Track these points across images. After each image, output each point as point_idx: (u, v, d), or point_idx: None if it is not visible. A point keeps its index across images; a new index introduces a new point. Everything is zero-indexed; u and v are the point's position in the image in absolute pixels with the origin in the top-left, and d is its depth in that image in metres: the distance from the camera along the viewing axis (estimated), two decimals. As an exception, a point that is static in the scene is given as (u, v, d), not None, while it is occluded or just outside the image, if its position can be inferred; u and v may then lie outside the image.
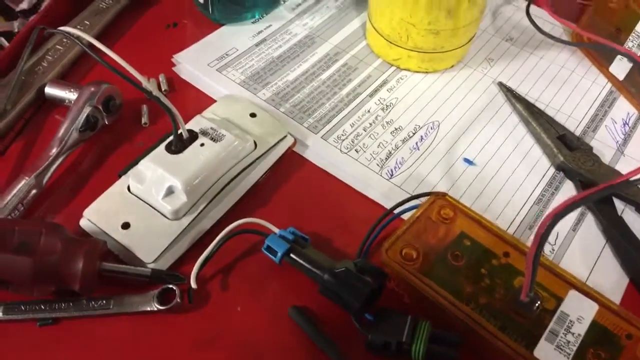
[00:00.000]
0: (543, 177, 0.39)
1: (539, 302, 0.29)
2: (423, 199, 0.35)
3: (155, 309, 0.31)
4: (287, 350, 0.31)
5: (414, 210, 0.33)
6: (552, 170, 0.39)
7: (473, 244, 0.32)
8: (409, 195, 0.37)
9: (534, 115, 0.41)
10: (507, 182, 0.38)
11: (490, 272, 0.31)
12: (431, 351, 0.29)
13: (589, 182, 0.38)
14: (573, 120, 0.43)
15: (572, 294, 0.30)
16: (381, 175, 0.38)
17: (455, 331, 0.29)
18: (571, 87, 0.45)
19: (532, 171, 0.39)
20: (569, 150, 0.39)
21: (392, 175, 0.38)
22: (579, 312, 0.29)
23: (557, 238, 0.36)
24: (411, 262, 0.31)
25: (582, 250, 0.35)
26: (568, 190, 0.38)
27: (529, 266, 0.28)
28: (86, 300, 0.31)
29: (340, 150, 0.39)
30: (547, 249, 0.35)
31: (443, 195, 0.34)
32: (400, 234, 0.32)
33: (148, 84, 0.33)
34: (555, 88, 0.45)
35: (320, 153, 0.39)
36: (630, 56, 0.42)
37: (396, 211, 0.35)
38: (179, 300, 0.31)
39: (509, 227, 0.36)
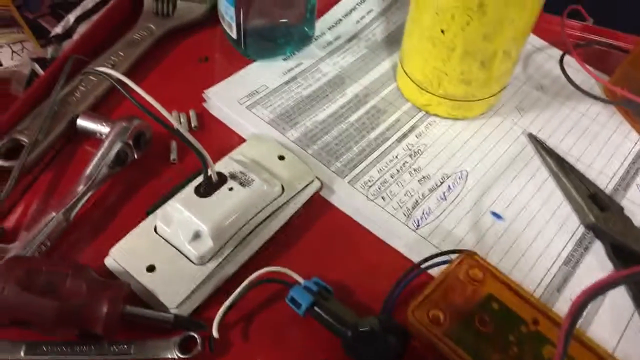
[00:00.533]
0: (572, 235, 0.38)
1: None
2: (452, 256, 0.34)
3: (176, 357, 0.31)
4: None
5: (442, 268, 0.33)
6: (582, 229, 0.39)
7: (501, 308, 0.31)
8: (434, 248, 0.36)
9: (564, 171, 0.41)
10: (536, 240, 0.38)
11: (519, 339, 0.30)
12: None
13: (620, 244, 0.37)
14: (604, 177, 0.42)
15: None
16: (407, 226, 0.38)
17: None
18: (602, 142, 0.45)
19: (561, 229, 0.39)
20: (600, 210, 0.38)
21: (418, 225, 0.38)
22: None
23: (585, 302, 0.35)
24: (438, 326, 0.30)
25: (610, 320, 0.34)
26: (598, 251, 0.38)
27: (560, 341, 0.27)
28: (108, 344, 0.31)
29: (367, 197, 0.39)
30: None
31: (473, 254, 0.33)
32: (428, 294, 0.31)
33: (179, 124, 0.33)
34: (586, 142, 0.44)
35: (347, 199, 0.39)
36: (664, 115, 0.42)
37: (423, 266, 0.35)
38: (200, 348, 0.31)
39: (537, 287, 0.35)
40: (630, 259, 0.36)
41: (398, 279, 0.35)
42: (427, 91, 0.43)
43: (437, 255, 0.35)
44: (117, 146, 0.37)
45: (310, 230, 0.38)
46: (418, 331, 0.31)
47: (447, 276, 0.32)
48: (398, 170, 0.41)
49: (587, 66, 0.47)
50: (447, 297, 0.32)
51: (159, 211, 0.35)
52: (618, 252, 0.37)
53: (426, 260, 0.35)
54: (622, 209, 0.39)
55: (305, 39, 0.49)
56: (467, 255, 0.33)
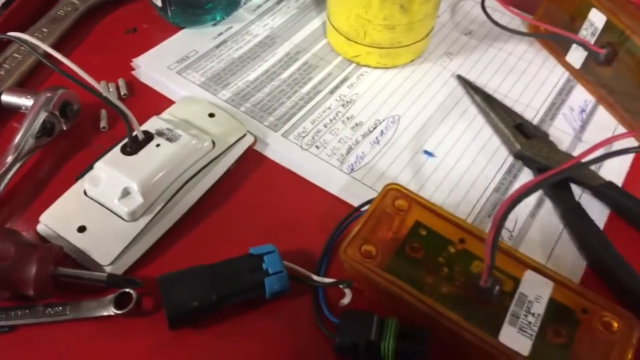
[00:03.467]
0: (502, 165, 0.39)
1: (498, 286, 0.30)
2: (381, 192, 0.35)
3: (112, 313, 0.31)
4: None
5: (368, 205, 0.33)
6: (511, 158, 0.40)
7: (429, 233, 0.32)
8: (369, 189, 0.37)
9: (491, 106, 0.42)
10: (467, 172, 0.39)
11: (448, 259, 0.31)
12: (400, 348, 0.29)
13: (546, 168, 0.38)
14: (531, 109, 0.43)
15: (529, 274, 0.30)
16: (342, 170, 0.38)
17: (421, 324, 0.30)
18: (529, 77, 0.46)
19: (491, 160, 0.40)
20: (525, 138, 0.40)
21: (352, 169, 0.39)
22: (536, 291, 0.29)
23: (515, 224, 0.36)
24: (370, 259, 0.31)
25: (540, 236, 0.36)
26: (526, 178, 0.39)
27: (487, 252, 0.28)
28: (42, 307, 0.31)
29: (301, 147, 0.40)
30: (505, 235, 0.35)
31: (396, 186, 0.34)
32: (357, 231, 0.32)
33: (107, 92, 0.33)
34: (513, 79, 0.46)
35: (281, 151, 0.39)
36: (584, 45, 0.43)
37: (363, 209, 0.35)
38: (135, 304, 0.31)
39: (469, 215, 0.36)
40: (557, 180, 0.37)
41: (337, 224, 0.35)
42: (354, 42, 0.44)
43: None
44: (42, 116, 0.37)
45: (247, 184, 0.38)
46: (353, 268, 0.31)
47: (373, 211, 0.33)
48: (331, 120, 0.42)
49: (510, 7, 0.48)
50: (376, 231, 0.32)
51: (87, 174, 0.34)
52: (545, 176, 0.38)
53: (367, 203, 0.35)
54: (547, 135, 0.40)
55: (233, 4, 0.49)
56: (391, 188, 0.34)
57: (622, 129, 0.42)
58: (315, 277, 0.32)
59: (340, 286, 0.32)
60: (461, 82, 0.45)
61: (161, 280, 0.30)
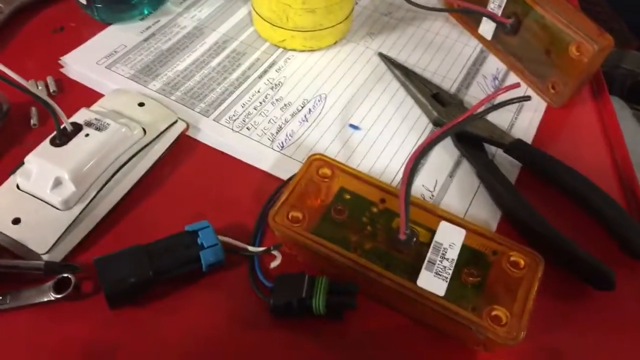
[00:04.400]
0: (422, 133, 0.42)
1: (415, 237, 0.32)
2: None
3: (53, 298, 0.32)
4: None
5: (294, 175, 0.35)
6: (430, 126, 0.43)
7: (352, 197, 0.34)
8: (299, 163, 0.39)
9: (410, 79, 0.44)
10: (391, 141, 0.41)
11: (371, 219, 0.34)
12: (330, 302, 0.31)
13: (461, 132, 0.41)
14: (448, 80, 0.46)
15: (443, 225, 0.33)
16: (272, 148, 0.40)
17: (349, 280, 0.32)
18: (445, 51, 0.49)
19: (412, 129, 0.42)
20: (442, 106, 0.42)
21: (283, 147, 0.40)
22: (450, 239, 0.32)
23: (435, 185, 0.39)
24: (298, 224, 0.33)
25: (459, 194, 0.38)
26: (445, 142, 0.41)
27: (401, 205, 0.31)
28: (-19, 298, 0.32)
29: (232, 130, 0.41)
30: (427, 195, 0.38)
31: (319, 156, 0.36)
32: (284, 199, 0.34)
33: (29, 85, 0.33)
34: (431, 53, 0.48)
35: (213, 134, 0.41)
36: (492, 17, 0.46)
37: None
38: (74, 288, 0.32)
39: (393, 180, 0.39)
40: (471, 142, 0.40)
41: (269, 196, 0.37)
42: (279, 27, 0.46)
43: None
44: (-31, 116, 0.37)
45: (182, 168, 0.39)
46: (281, 233, 0.33)
47: (299, 180, 0.35)
48: (261, 103, 0.43)
49: (426, -13, 0.51)
50: (303, 198, 0.34)
51: (18, 168, 0.35)
52: (461, 139, 0.41)
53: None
54: (461, 102, 0.43)
55: (159, -2, 0.50)
56: (315, 158, 0.36)
57: (531, 92, 0.46)
58: (249, 247, 0.34)
59: (271, 251, 0.33)
60: (383, 60, 0.47)
61: (97, 261, 0.32)
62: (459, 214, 0.37)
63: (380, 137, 0.42)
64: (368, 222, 0.33)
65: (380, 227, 0.33)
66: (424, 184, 0.39)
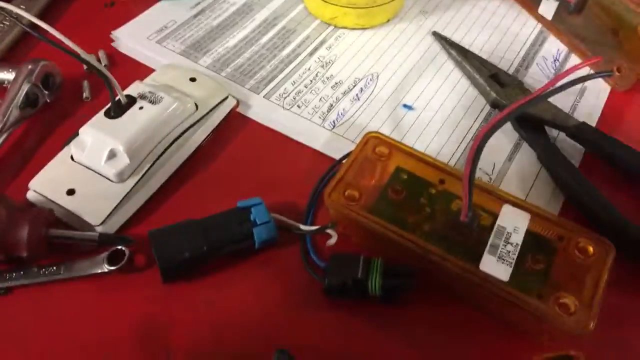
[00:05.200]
0: (479, 114, 0.40)
1: (477, 221, 0.31)
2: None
3: (106, 270, 0.32)
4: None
5: (349, 153, 0.34)
6: (488, 107, 0.41)
7: (410, 177, 0.33)
8: (351, 143, 0.38)
9: (467, 59, 0.43)
10: (446, 122, 0.40)
11: (430, 200, 0.32)
12: (387, 284, 0.30)
13: (521, 114, 0.39)
14: (506, 61, 0.44)
15: (506, 208, 0.31)
16: (324, 127, 0.39)
17: (407, 262, 0.31)
18: (502, 31, 0.47)
19: (468, 110, 0.41)
20: (500, 86, 0.41)
21: (334, 125, 0.39)
22: (514, 223, 0.31)
23: (494, 168, 0.37)
24: (354, 202, 0.32)
25: (518, 177, 0.37)
26: (504, 125, 0.40)
27: (465, 187, 0.29)
28: (37, 268, 0.32)
29: (283, 107, 0.40)
30: (484, 178, 0.37)
31: (376, 134, 0.35)
32: (340, 177, 0.33)
33: (86, 56, 0.33)
34: (487, 34, 0.46)
35: (263, 111, 0.40)
36: (555, -5, 0.44)
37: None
38: (128, 261, 0.32)
39: (449, 161, 0.37)
40: (532, 125, 0.39)
41: (322, 175, 0.36)
42: (331, 3, 0.45)
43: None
44: (25, 87, 0.37)
45: (232, 144, 0.39)
46: (337, 211, 0.32)
47: (355, 158, 0.34)
48: (311, 81, 0.42)
49: (482, -36, 0.49)
50: (359, 176, 0.33)
51: (73, 139, 0.35)
52: (522, 122, 0.39)
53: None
54: (521, 83, 0.41)
55: (209, -26, 0.49)
56: (371, 136, 0.35)
57: (594, 75, 0.44)
58: (302, 226, 0.33)
59: (327, 230, 0.33)
60: (437, 39, 0.45)
61: (152, 234, 0.31)
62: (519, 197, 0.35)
63: (435, 117, 0.40)
64: (426, 203, 0.32)
65: (439, 208, 0.32)
66: (481, 167, 0.37)
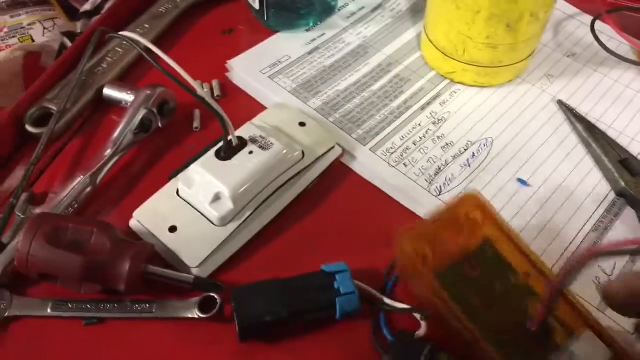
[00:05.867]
0: (602, 202, 0.37)
1: (548, 335, 0.28)
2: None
3: (197, 316, 0.31)
4: None
5: (442, 207, 0.32)
6: (612, 195, 0.37)
7: (495, 256, 0.30)
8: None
9: (595, 137, 0.39)
10: (564, 206, 0.37)
11: (506, 289, 0.29)
12: None
13: (654, 210, 0.35)
14: (637, 143, 0.40)
15: (587, 336, 0.27)
16: (429, 192, 0.37)
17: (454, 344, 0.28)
18: (636, 108, 0.43)
19: (590, 196, 0.37)
20: (631, 175, 0.37)
21: (440, 192, 0.37)
22: (591, 357, 0.27)
23: (614, 269, 0.34)
24: (423, 259, 0.29)
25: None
26: (629, 218, 0.36)
27: (546, 296, 0.26)
28: (130, 303, 0.32)
29: (389, 164, 0.39)
30: (602, 278, 0.33)
31: (476, 194, 0.32)
32: (420, 226, 0.30)
33: (202, 90, 0.33)
34: (619, 109, 0.43)
35: (368, 165, 0.39)
36: None
37: None
38: (218, 309, 0.31)
39: (564, 252, 0.34)
40: (663, 225, 0.35)
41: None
42: (452, 58, 0.43)
43: None
44: (142, 113, 0.38)
45: (333, 196, 0.38)
46: (401, 260, 0.30)
47: (444, 213, 0.31)
48: (421, 138, 0.40)
49: (623, 32, 0.45)
50: (439, 234, 0.30)
51: (181, 174, 0.35)
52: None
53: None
54: (656, 174, 0.37)
55: (328, 10, 0.49)
56: (470, 195, 0.32)
57: None
58: (388, 301, 0.31)
59: (416, 315, 0.31)
60: (562, 108, 0.42)
61: (235, 292, 0.31)
62: (625, 325, 0.31)
63: (552, 198, 0.37)
64: (502, 291, 0.29)
65: (512, 303, 0.29)
66: (600, 264, 0.34)
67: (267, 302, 0.30)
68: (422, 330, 0.30)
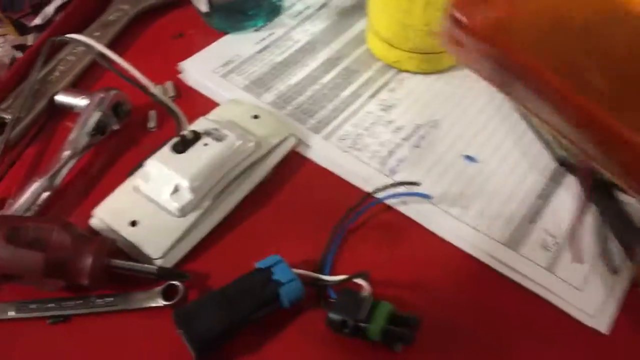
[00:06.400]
0: (545, 171, 0.39)
1: None
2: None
3: (161, 304, 0.32)
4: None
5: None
6: (555, 165, 0.40)
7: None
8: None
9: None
10: (509, 177, 0.39)
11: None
12: (388, 331, 0.29)
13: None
14: (573, 115, 0.43)
15: None
16: (383, 173, 0.39)
17: None
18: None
19: (534, 166, 0.40)
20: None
21: (394, 172, 0.39)
22: None
23: (560, 230, 0.36)
24: None
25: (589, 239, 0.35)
26: (571, 185, 0.38)
27: None
28: (94, 298, 0.32)
29: (342, 150, 0.40)
30: (550, 240, 0.35)
31: None
32: None
33: (154, 89, 0.34)
34: (554, 85, 0.45)
35: (322, 152, 0.40)
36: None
37: (380, 196, 0.37)
38: (181, 296, 0.32)
39: (510, 221, 0.36)
40: (601, 187, 0.37)
41: (351, 207, 0.36)
42: (396, 47, 0.45)
43: (394, 185, 0.37)
44: (97, 115, 0.39)
45: (290, 184, 0.39)
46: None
47: None
48: (372, 124, 0.42)
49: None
50: None
51: (138, 170, 0.36)
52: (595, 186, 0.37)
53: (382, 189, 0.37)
54: (590, 141, 0.40)
55: (275, 10, 0.50)
56: None
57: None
58: (325, 277, 0.32)
59: (356, 280, 0.32)
60: (502, 88, 0.45)
61: (177, 315, 0.30)
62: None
63: (498, 172, 0.39)
64: None
65: None
66: (546, 228, 0.36)
67: (212, 315, 0.30)
68: (365, 291, 0.31)
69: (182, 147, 0.35)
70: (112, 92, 0.40)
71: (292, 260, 0.32)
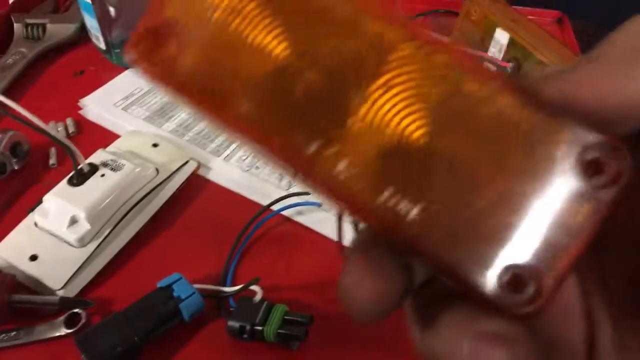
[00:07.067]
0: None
1: None
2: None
3: (64, 333, 0.33)
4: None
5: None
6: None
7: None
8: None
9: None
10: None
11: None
12: (282, 332, 0.32)
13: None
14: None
15: None
16: (281, 188, 0.42)
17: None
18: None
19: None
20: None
21: (290, 185, 0.42)
22: None
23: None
24: None
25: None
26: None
27: None
28: (-2, 333, 0.33)
29: (242, 169, 0.43)
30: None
31: None
32: None
33: (56, 132, 0.35)
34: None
35: (224, 173, 0.43)
36: (492, 61, 0.48)
37: (276, 208, 0.39)
38: (84, 322, 0.33)
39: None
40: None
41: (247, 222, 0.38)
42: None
43: (287, 196, 0.40)
44: (-7, 157, 0.39)
45: (193, 206, 0.41)
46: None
47: None
48: (269, 143, 0.45)
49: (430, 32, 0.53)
50: None
51: (37, 207, 0.37)
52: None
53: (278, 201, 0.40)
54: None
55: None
56: None
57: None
58: (224, 289, 0.34)
59: (253, 287, 0.34)
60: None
61: (79, 340, 0.31)
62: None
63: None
64: None
65: None
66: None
67: (113, 336, 0.31)
68: (258, 296, 0.33)
69: (78, 180, 0.37)
70: (9, 134, 0.40)
71: (194, 276, 0.34)
